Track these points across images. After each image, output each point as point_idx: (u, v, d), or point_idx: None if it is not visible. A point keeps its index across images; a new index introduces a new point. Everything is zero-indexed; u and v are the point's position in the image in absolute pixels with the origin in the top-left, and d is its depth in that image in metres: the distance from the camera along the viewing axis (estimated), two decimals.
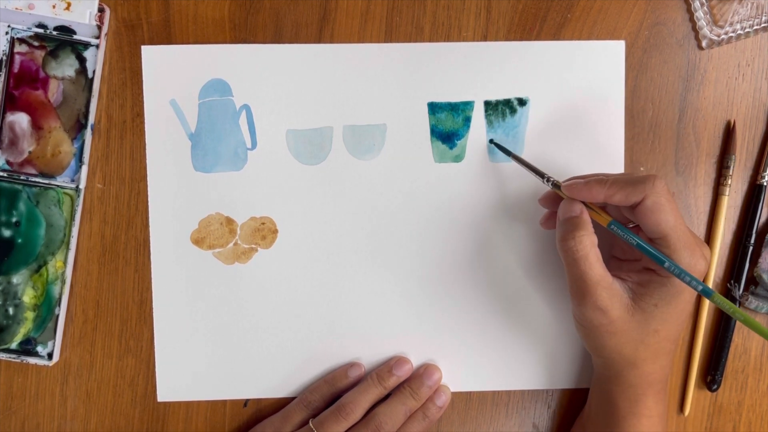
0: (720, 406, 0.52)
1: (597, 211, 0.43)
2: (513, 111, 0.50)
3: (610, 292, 0.42)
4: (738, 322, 0.50)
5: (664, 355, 0.44)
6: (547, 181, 0.46)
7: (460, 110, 0.49)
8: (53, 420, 0.50)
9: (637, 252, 0.45)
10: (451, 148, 0.50)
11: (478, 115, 0.50)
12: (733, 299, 0.50)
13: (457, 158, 0.50)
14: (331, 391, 0.49)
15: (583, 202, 0.43)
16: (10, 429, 0.50)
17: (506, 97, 0.49)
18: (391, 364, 0.50)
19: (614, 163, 0.50)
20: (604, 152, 0.50)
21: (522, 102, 0.50)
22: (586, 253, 0.42)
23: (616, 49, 0.50)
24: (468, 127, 0.49)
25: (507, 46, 0.49)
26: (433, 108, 0.49)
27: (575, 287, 0.43)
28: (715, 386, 0.51)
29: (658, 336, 0.43)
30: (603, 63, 0.50)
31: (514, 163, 0.49)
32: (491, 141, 0.49)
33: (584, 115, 0.50)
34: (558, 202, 0.46)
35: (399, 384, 0.50)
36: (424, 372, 0.50)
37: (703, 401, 0.52)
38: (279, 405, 0.51)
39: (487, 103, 0.49)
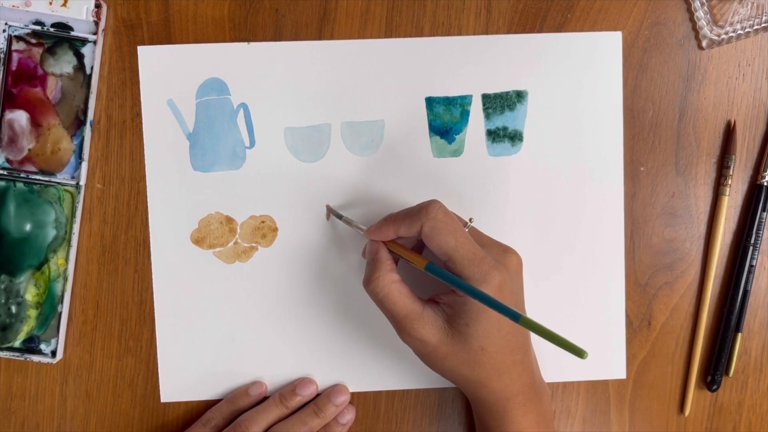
0: (720, 406, 0.51)
1: (412, 257, 0.42)
2: (511, 104, 0.48)
3: (421, 322, 0.41)
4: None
5: (508, 369, 0.42)
6: (357, 227, 0.45)
7: (458, 104, 0.48)
8: (53, 420, 0.49)
9: None
10: (449, 142, 0.48)
11: (476, 109, 0.48)
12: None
13: (456, 153, 0.48)
14: (231, 410, 0.48)
15: (410, 252, 0.43)
16: (10, 429, 0.49)
17: (504, 90, 0.48)
18: (295, 384, 0.48)
19: (613, 157, 0.49)
20: (602, 145, 0.49)
21: (520, 95, 0.48)
22: (386, 293, 0.41)
23: (614, 40, 0.48)
24: (466, 121, 0.48)
25: (504, 40, 0.48)
26: (431, 103, 0.48)
27: (391, 323, 0.42)
28: (715, 386, 0.50)
29: (488, 353, 0.40)
30: (601, 54, 0.48)
31: (514, 158, 0.48)
32: (328, 207, 0.48)
33: (583, 107, 0.49)
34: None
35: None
36: (332, 391, 0.48)
37: (703, 401, 0.51)
38: None
39: (485, 97, 0.48)
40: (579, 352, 0.31)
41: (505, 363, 0.41)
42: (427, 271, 0.40)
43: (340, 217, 0.47)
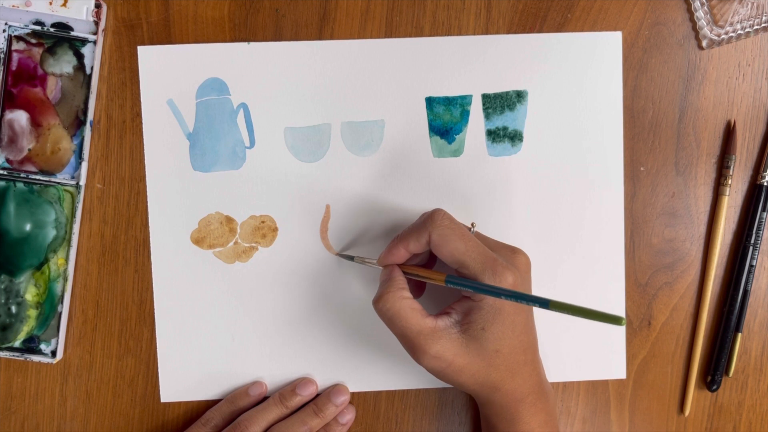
0: (720, 406, 0.50)
1: (429, 274, 0.41)
2: (511, 104, 0.48)
3: (434, 337, 0.40)
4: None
5: (520, 369, 0.41)
6: (370, 263, 0.46)
7: (458, 104, 0.48)
8: (53, 420, 0.49)
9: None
10: (449, 142, 0.48)
11: (476, 109, 0.48)
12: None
13: (456, 153, 0.48)
14: (231, 410, 0.48)
15: (419, 273, 0.42)
16: (10, 429, 0.49)
17: (504, 90, 0.48)
18: (295, 384, 0.48)
19: (613, 157, 0.48)
20: (602, 145, 0.48)
21: (520, 95, 0.48)
22: (396, 310, 0.40)
23: (614, 40, 0.48)
24: (466, 121, 0.48)
25: (504, 40, 0.48)
26: (431, 103, 0.48)
27: (403, 343, 0.41)
28: (715, 386, 0.49)
29: (502, 355, 0.40)
30: (601, 54, 0.48)
31: (513, 158, 0.48)
32: (338, 253, 0.48)
33: (583, 107, 0.48)
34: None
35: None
36: (332, 391, 0.48)
37: (703, 401, 0.50)
38: None
39: (485, 97, 0.48)
40: (617, 320, 0.31)
41: (518, 363, 0.41)
42: (447, 284, 0.40)
43: (351, 258, 0.47)
